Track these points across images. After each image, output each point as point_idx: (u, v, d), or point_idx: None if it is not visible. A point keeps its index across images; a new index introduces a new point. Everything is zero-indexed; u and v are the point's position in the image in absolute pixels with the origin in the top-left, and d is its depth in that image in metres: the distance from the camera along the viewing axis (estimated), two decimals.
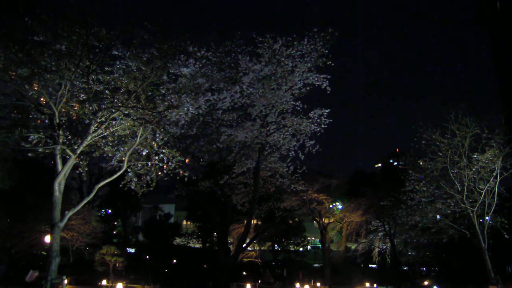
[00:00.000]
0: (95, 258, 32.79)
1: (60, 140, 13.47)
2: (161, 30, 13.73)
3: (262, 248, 45.05)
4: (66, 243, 27.96)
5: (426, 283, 38.98)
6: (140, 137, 14.51)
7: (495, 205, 21.32)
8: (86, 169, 19.28)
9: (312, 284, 36.29)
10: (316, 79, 18.86)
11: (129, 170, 15.44)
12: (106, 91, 13.97)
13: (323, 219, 36.92)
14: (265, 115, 19.76)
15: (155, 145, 15.53)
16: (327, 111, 19.75)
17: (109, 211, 50.25)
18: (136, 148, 14.93)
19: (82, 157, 14.82)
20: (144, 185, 15.77)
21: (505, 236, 22.72)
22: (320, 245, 44.93)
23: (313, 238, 64.80)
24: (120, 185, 16.10)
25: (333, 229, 38.82)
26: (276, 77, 18.67)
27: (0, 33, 12.12)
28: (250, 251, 39.50)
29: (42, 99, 13.63)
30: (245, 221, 23.44)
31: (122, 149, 15.11)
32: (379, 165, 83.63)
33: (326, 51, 18.06)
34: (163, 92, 15.45)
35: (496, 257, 29.12)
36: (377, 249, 41.66)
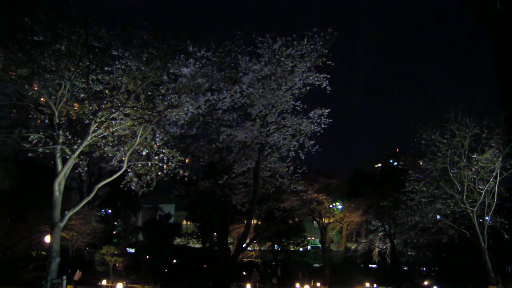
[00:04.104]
0: (95, 258, 32.84)
1: (60, 140, 13.47)
2: (160, 29, 13.74)
3: (262, 248, 45.02)
4: (66, 243, 27.97)
5: (426, 283, 38.88)
6: (140, 137, 14.50)
7: (495, 205, 21.29)
8: (86, 169, 19.28)
9: (312, 284, 36.26)
10: (316, 79, 18.86)
11: (129, 170, 15.43)
12: (106, 91, 13.98)
13: (323, 219, 36.97)
14: (265, 115, 19.73)
15: (155, 145, 15.54)
16: (327, 111, 19.73)
17: (109, 211, 50.32)
18: (136, 148, 14.92)
19: (82, 157, 14.82)
20: (144, 185, 15.76)
21: (505, 236, 22.72)
22: (320, 245, 44.95)
23: (313, 238, 64.81)
24: (120, 185, 16.11)
25: (333, 229, 38.86)
26: (276, 77, 18.65)
27: (0, 33, 12.12)
28: (250, 251, 39.50)
29: (42, 99, 13.63)
30: (245, 221, 23.43)
31: (122, 149, 15.08)
32: (379, 165, 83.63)
33: (326, 51, 18.08)
34: (163, 92, 15.44)
35: (496, 257, 29.14)
36: (377, 249, 41.69)
